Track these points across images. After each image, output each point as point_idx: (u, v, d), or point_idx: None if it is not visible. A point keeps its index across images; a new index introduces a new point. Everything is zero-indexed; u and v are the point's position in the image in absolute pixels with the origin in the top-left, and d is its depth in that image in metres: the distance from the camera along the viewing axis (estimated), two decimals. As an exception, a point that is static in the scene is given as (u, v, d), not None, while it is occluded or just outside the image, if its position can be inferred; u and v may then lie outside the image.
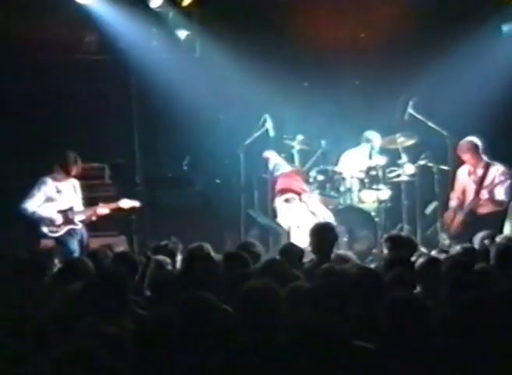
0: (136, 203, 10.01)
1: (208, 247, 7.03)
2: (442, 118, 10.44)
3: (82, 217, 9.80)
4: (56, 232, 9.72)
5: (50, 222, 9.69)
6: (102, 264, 6.51)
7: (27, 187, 9.76)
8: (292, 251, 6.98)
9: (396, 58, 11.13)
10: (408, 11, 11.06)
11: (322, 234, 7.13)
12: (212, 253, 6.99)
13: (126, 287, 5.16)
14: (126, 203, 9.95)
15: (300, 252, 7.01)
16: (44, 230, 9.69)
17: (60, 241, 9.65)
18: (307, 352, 4.22)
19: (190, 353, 4.45)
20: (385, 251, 7.24)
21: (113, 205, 9.93)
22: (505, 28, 11.03)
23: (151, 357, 4.35)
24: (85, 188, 10.34)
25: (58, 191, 9.75)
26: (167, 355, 4.36)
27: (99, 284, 5.08)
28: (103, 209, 9.85)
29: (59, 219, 9.69)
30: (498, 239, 7.43)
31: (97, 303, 4.98)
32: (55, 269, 6.49)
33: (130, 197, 11.24)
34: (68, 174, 9.67)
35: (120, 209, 10.01)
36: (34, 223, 9.64)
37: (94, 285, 5.09)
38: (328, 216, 10.08)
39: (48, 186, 9.71)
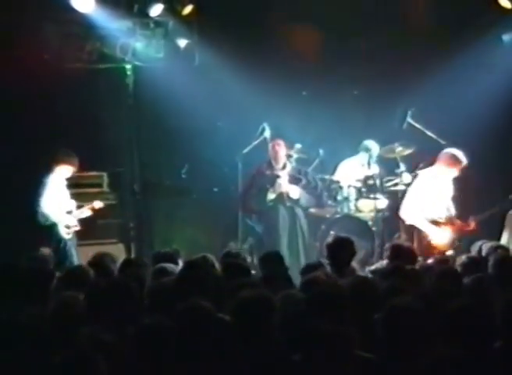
0: (98, 204, 10.18)
1: (212, 258, 7.00)
2: (441, 128, 10.47)
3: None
4: (68, 234, 9.83)
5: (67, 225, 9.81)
6: (109, 272, 6.52)
7: (27, 195, 9.83)
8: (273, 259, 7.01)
9: (396, 68, 11.18)
10: (408, 21, 11.11)
11: (339, 249, 7.12)
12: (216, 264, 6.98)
13: (136, 297, 5.21)
14: (98, 204, 10.17)
15: (279, 259, 7.04)
16: (62, 233, 9.75)
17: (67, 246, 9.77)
18: (308, 360, 4.28)
19: (187, 361, 4.47)
20: (386, 260, 7.27)
21: (90, 206, 10.10)
22: (505, 38, 11.07)
23: (148, 365, 4.37)
24: (83, 197, 10.43)
25: (62, 191, 9.89)
26: (164, 363, 4.38)
27: (109, 293, 5.12)
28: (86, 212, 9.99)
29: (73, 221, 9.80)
30: (485, 248, 7.45)
31: (105, 311, 5.02)
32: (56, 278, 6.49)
33: (129, 205, 11.37)
34: (72, 167, 9.79)
35: (96, 210, 10.18)
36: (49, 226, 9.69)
37: (103, 293, 5.13)
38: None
39: (55, 185, 9.80)
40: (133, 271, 6.57)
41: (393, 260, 6.95)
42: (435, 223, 9.59)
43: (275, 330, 4.75)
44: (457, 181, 9.69)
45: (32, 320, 4.59)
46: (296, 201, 10.22)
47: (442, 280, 5.84)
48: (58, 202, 9.87)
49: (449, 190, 9.68)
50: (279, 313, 4.83)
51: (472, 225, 9.64)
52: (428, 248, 9.39)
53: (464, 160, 9.54)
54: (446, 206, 9.67)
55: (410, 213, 9.61)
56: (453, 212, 9.71)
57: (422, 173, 9.77)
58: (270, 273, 6.28)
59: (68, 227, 9.84)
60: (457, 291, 5.48)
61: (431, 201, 9.59)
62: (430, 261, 7.56)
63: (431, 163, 9.74)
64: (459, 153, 9.55)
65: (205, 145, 11.48)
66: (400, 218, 10.40)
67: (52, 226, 9.77)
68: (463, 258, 6.78)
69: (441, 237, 9.51)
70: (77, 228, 9.96)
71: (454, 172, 9.56)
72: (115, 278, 6.28)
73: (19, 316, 4.89)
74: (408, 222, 9.65)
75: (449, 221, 9.64)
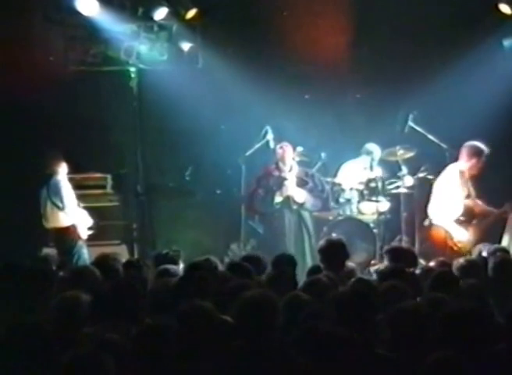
0: None
1: (215, 260, 7.01)
2: (443, 131, 10.50)
3: None
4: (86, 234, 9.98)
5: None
6: (113, 272, 6.55)
7: (32, 196, 9.92)
8: (284, 262, 7.03)
9: (398, 72, 11.21)
10: (410, 25, 11.16)
11: (333, 251, 7.11)
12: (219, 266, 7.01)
13: (139, 298, 5.26)
14: None
15: (292, 263, 7.07)
16: (81, 233, 9.86)
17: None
18: (309, 361, 4.33)
19: (188, 362, 4.50)
20: (385, 262, 7.28)
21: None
22: (506, 43, 11.05)
23: (149, 365, 4.41)
24: (87, 198, 10.49)
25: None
26: (164, 364, 4.41)
27: (113, 293, 5.18)
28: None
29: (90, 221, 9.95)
30: (484, 252, 7.47)
31: (110, 311, 5.08)
32: (60, 278, 6.54)
33: (132, 206, 11.42)
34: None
35: None
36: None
37: (107, 294, 5.19)
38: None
39: (67, 186, 9.94)
40: (135, 272, 6.63)
41: (393, 262, 6.96)
42: (462, 221, 9.71)
43: (279, 330, 4.79)
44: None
45: (35, 320, 4.61)
46: (302, 205, 10.32)
47: (439, 282, 5.86)
48: (76, 203, 9.98)
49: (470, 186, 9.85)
50: (282, 314, 4.87)
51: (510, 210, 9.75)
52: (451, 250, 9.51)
53: (486, 149, 9.69)
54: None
55: (439, 213, 9.69)
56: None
57: (448, 170, 9.83)
58: (278, 274, 6.28)
59: (88, 227, 9.94)
60: (454, 294, 5.50)
61: (459, 199, 9.71)
62: (431, 264, 7.58)
63: (455, 159, 9.86)
64: (479, 143, 9.71)
65: (208, 147, 11.55)
66: (402, 220, 10.50)
67: (68, 228, 9.84)
68: (461, 260, 6.81)
69: (465, 237, 9.65)
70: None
71: (478, 163, 9.72)
72: (120, 278, 6.32)
73: (21, 315, 4.93)
74: (435, 222, 9.72)
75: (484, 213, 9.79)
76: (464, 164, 9.77)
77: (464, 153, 9.76)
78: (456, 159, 10.09)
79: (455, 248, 9.56)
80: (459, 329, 4.53)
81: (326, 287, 5.69)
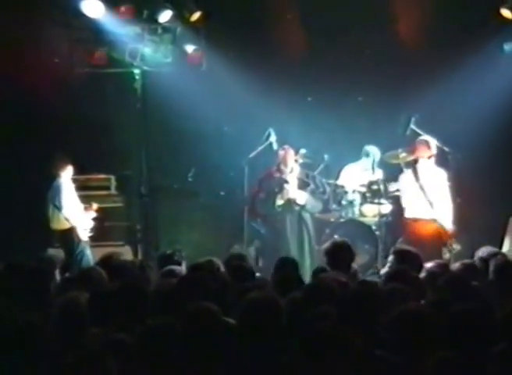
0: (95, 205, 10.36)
1: (218, 261, 7.03)
2: (444, 134, 10.53)
3: None
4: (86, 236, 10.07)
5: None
6: (118, 272, 6.58)
7: (33, 197, 9.98)
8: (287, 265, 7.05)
9: (400, 75, 11.26)
10: (412, 29, 11.21)
11: (339, 253, 7.08)
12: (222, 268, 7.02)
13: (145, 298, 5.33)
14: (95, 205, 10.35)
15: (294, 265, 7.09)
16: (81, 235, 9.93)
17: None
18: (312, 362, 4.36)
19: (190, 363, 4.51)
20: (389, 264, 7.28)
21: (93, 207, 10.30)
22: (507, 47, 11.09)
23: (151, 365, 4.42)
24: (91, 199, 10.55)
25: (74, 194, 10.09)
26: (167, 364, 4.42)
27: (119, 294, 5.24)
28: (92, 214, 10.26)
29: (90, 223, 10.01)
30: (482, 253, 7.49)
31: (114, 311, 5.13)
32: (66, 278, 6.58)
33: (136, 208, 11.49)
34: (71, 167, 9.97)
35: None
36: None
37: (113, 294, 5.24)
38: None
39: (68, 189, 10.00)
40: (139, 272, 6.67)
41: (398, 265, 6.97)
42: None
43: (282, 332, 4.83)
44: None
45: (35, 319, 4.65)
46: (303, 207, 10.39)
47: (451, 285, 5.89)
48: (76, 205, 10.04)
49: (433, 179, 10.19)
50: (285, 316, 4.90)
51: None
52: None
53: (433, 142, 10.06)
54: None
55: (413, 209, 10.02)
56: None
57: (406, 171, 10.25)
58: (283, 277, 6.30)
59: (87, 229, 10.00)
60: (465, 296, 5.52)
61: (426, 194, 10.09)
62: (431, 265, 7.60)
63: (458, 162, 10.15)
64: (424, 137, 10.11)
65: (212, 149, 11.60)
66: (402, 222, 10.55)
67: (70, 229, 9.92)
68: (464, 263, 6.83)
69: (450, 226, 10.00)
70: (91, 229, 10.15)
71: (431, 158, 10.15)
72: (125, 279, 6.35)
73: (21, 315, 4.97)
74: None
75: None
76: (432, 157, 10.18)
77: (423, 148, 10.16)
78: (457, 161, 10.18)
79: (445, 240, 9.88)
80: (462, 330, 4.55)
81: (329, 288, 5.72)
